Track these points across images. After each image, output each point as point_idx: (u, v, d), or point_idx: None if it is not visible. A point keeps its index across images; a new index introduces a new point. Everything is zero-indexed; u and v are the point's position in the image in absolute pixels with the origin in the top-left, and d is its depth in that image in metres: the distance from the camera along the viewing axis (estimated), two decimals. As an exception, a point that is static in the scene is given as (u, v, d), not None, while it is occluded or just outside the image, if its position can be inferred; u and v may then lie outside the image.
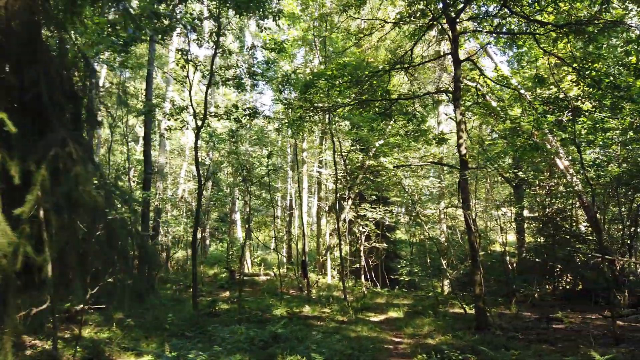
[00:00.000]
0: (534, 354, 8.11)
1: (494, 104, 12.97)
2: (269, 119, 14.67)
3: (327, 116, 15.35)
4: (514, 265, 17.72)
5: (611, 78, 9.98)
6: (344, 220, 20.86)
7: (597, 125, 10.77)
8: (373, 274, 20.00)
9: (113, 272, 4.77)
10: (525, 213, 18.03)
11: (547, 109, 11.07)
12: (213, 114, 12.19)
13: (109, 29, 9.83)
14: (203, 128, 13.97)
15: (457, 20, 10.66)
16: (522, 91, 11.87)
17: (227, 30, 12.48)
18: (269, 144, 19.87)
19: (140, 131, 21.37)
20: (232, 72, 12.35)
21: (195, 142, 10.79)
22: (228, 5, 9.96)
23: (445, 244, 18.63)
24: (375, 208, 19.43)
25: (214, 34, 10.54)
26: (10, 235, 3.65)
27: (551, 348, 8.60)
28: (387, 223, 21.90)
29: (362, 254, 19.02)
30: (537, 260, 15.43)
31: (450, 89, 11.78)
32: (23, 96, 4.11)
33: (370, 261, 19.92)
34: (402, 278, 20.40)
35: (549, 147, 13.83)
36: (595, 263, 14.33)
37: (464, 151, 10.27)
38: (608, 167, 13.19)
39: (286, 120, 13.23)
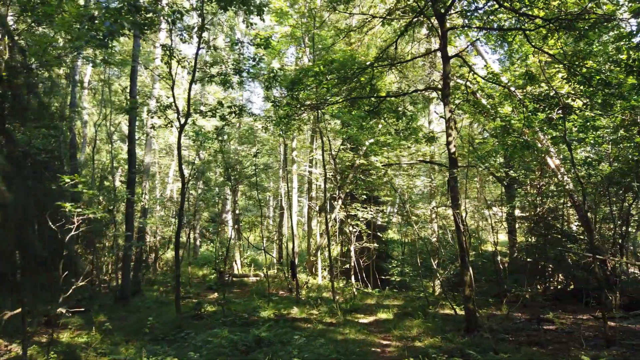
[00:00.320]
0: (523, 357, 7.90)
1: (484, 101, 12.78)
2: (255, 117, 14.37)
3: (316, 114, 15.09)
4: (505, 265, 17.57)
5: (602, 75, 9.81)
6: (335, 220, 20.62)
7: (588, 124, 10.61)
8: (364, 274, 19.78)
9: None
10: (517, 213, 17.88)
11: (537, 106, 10.89)
12: (198, 111, 11.88)
13: (89, 23, 9.54)
14: (189, 126, 13.72)
15: (446, 15, 10.44)
16: (512, 89, 11.67)
17: (213, 25, 12.18)
18: (257, 143, 19.55)
19: (127, 130, 21.03)
20: (217, 68, 12.06)
21: (179, 140, 10.49)
22: (211, -2, 9.70)
23: (437, 243, 18.44)
24: (366, 208, 19.21)
25: (198, 29, 10.24)
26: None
27: (541, 351, 8.40)
28: (379, 223, 21.70)
29: (352, 254, 18.79)
30: (528, 260, 15.27)
31: (439, 86, 11.56)
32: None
33: (361, 261, 19.69)
34: (393, 278, 20.19)
35: (539, 145, 13.67)
36: (587, 263, 14.20)
37: (453, 149, 10.06)
38: (599, 166, 13.05)
39: (274, 118, 12.94)
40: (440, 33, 10.35)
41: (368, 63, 11.12)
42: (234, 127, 22.23)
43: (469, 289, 9.70)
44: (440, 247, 18.02)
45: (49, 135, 15.93)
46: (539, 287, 15.94)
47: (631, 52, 9.16)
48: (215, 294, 16.69)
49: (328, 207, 20.68)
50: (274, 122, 12.90)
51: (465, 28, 11.79)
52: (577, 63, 10.05)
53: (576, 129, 11.23)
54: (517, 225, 17.87)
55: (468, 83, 11.82)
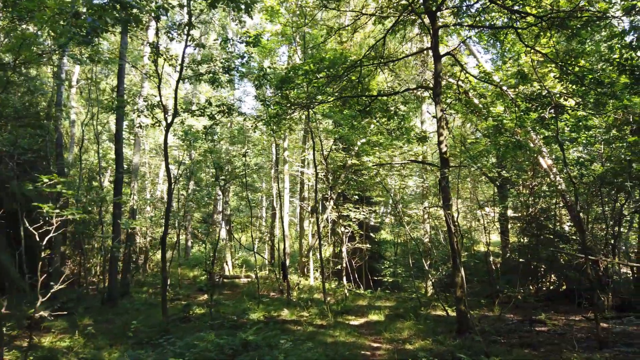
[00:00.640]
0: (515, 359, 7.78)
1: (476, 101, 12.66)
2: (244, 116, 14.17)
3: (307, 114, 14.91)
4: (498, 265, 17.48)
5: (594, 74, 9.71)
6: (327, 220, 20.45)
7: (581, 123, 10.51)
8: (356, 275, 19.63)
9: None
10: (509, 213, 17.81)
11: (529, 106, 10.77)
12: (186, 110, 11.66)
13: (73, 20, 9.30)
14: (179, 126, 13.49)
15: (438, 13, 10.30)
16: (504, 88, 11.55)
17: (202, 24, 11.96)
18: (249, 143, 19.34)
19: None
20: (206, 66, 11.85)
21: (165, 139, 10.27)
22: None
23: (429, 244, 18.32)
24: (358, 208, 19.06)
25: (185, 26, 10.03)
26: None
27: (533, 353, 8.27)
28: (371, 224, 21.56)
29: (344, 255, 18.63)
30: (520, 260, 15.19)
31: (431, 85, 11.42)
32: None
33: (353, 262, 19.54)
34: (385, 279, 20.06)
35: (532, 145, 13.58)
36: (579, 264, 14.12)
37: (444, 149, 9.92)
38: (591, 166, 12.98)
39: (263, 117, 12.75)
40: (431, 31, 10.21)
41: (358, 61, 10.95)
42: (225, 127, 22.01)
43: (461, 290, 9.56)
44: (432, 248, 17.92)
45: (35, 135, 15.67)
46: (531, 287, 15.86)
47: (624, 51, 9.07)
48: (205, 296, 16.47)
49: (320, 208, 20.52)
50: (263, 121, 12.69)
51: (457, 27, 11.65)
52: (569, 62, 9.95)
53: (568, 128, 11.14)
54: (509, 226, 17.80)
55: (460, 82, 11.69)
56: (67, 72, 20.27)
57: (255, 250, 18.67)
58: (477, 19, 11.00)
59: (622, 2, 8.98)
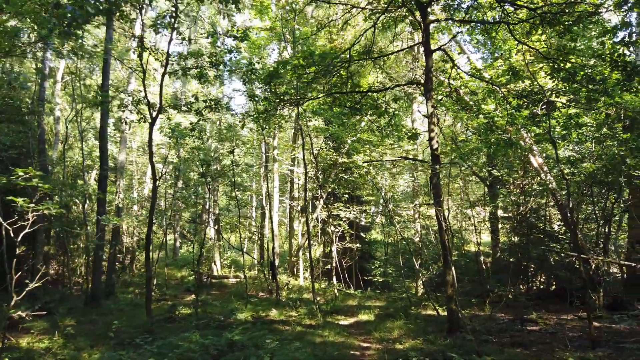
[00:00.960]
0: (507, 359, 7.62)
1: (467, 98, 12.54)
2: (231, 111, 13.91)
3: (296, 111, 14.69)
4: (488, 265, 17.40)
5: (586, 70, 9.61)
6: (317, 220, 20.24)
7: (572, 120, 10.41)
8: (346, 275, 19.43)
9: None
10: (500, 213, 17.74)
11: (521, 102, 10.65)
12: (172, 105, 11.38)
13: (53, 11, 9.00)
14: (165, 122, 13.19)
15: (429, 7, 10.15)
16: (495, 85, 11.41)
17: (187, 17, 11.69)
18: (238, 141, 19.06)
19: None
20: (193, 61, 11.58)
21: (150, 134, 9.99)
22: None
23: (419, 243, 18.18)
24: (348, 207, 18.88)
25: (170, 17, 9.76)
26: None
27: (525, 352, 8.13)
28: (362, 223, 21.39)
29: (334, 254, 18.43)
30: (511, 260, 15.10)
31: (422, 81, 11.27)
32: None
33: (343, 262, 19.35)
34: (375, 279, 19.90)
35: (523, 143, 13.48)
36: (569, 263, 14.06)
37: (435, 145, 9.76)
38: (582, 164, 12.92)
39: (251, 114, 12.49)
40: (422, 26, 10.06)
41: (349, 56, 10.76)
42: (214, 125, 21.70)
43: (452, 288, 9.39)
44: (423, 247, 17.77)
45: (18, 132, 15.28)
46: (521, 287, 15.79)
47: (616, 47, 8.97)
48: (193, 296, 16.18)
49: (310, 207, 20.29)
50: (252, 117, 12.44)
51: (448, 21, 11.51)
52: (561, 58, 9.84)
53: (560, 127, 11.04)
54: (500, 226, 17.72)
55: (451, 79, 11.54)
56: (52, 69, 19.87)
57: (244, 250, 18.38)
58: (469, 14, 10.88)
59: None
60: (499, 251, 17.59)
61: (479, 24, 10.93)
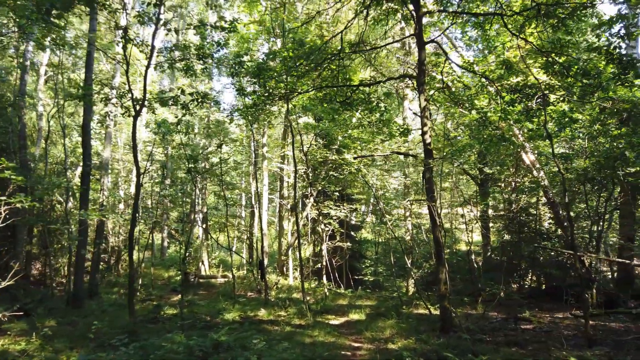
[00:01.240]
0: (503, 358, 7.40)
1: (459, 93, 12.32)
2: (218, 106, 13.56)
3: (286, 107, 14.36)
4: (480, 263, 17.25)
5: (581, 63, 9.44)
6: (307, 218, 19.93)
7: (566, 115, 10.23)
8: (337, 274, 19.15)
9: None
10: (491, 212, 17.60)
11: (514, 97, 10.45)
12: (158, 98, 11.00)
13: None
14: (151, 116, 12.79)
15: (422, 2, 9.92)
16: (488, 79, 11.20)
17: (174, 8, 11.32)
18: (225, 137, 18.68)
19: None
20: (179, 53, 11.22)
21: (133, 128, 9.62)
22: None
23: (410, 242, 17.97)
24: (339, 206, 18.60)
25: (154, 6, 9.40)
26: None
27: (521, 351, 7.92)
28: (352, 222, 21.12)
29: (324, 253, 18.13)
30: (503, 258, 14.96)
31: (414, 74, 11.03)
32: None
33: (333, 261, 19.06)
34: (366, 278, 19.64)
35: (515, 140, 13.31)
36: (559, 261, 13.93)
37: (428, 140, 9.53)
38: (574, 161, 12.79)
39: (239, 108, 12.15)
40: (415, 17, 9.82)
41: (340, 47, 10.48)
42: (202, 121, 21.30)
43: (445, 286, 9.17)
44: (414, 246, 17.57)
45: (-1, 127, 14.78)
46: (513, 285, 15.66)
47: (612, 39, 8.80)
48: (179, 296, 15.78)
49: (300, 206, 19.98)
50: (240, 111, 12.11)
51: (441, 15, 11.30)
52: (555, 51, 9.66)
53: (553, 122, 10.87)
54: (490, 224, 17.58)
55: (443, 73, 11.32)
56: (34, 63, 19.32)
57: (233, 249, 18.01)
58: (461, 6, 10.68)
59: (610, -11, 8.72)
60: (490, 250, 17.46)
61: (472, 17, 10.72)
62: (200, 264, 21.32)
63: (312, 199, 18.45)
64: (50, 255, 15.19)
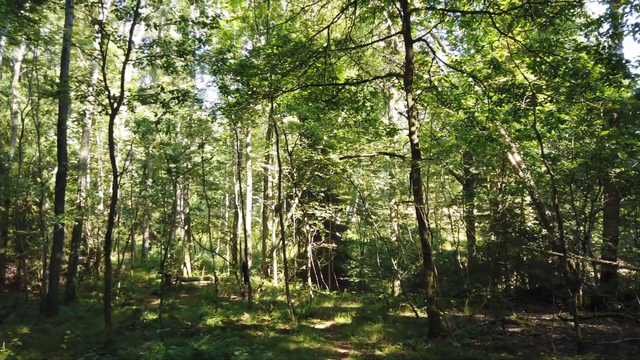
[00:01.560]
0: (493, 364, 7.22)
1: (446, 92, 12.14)
2: (200, 103, 13.17)
3: (270, 106, 14.03)
4: (465, 264, 17.17)
5: (569, 63, 9.32)
6: (292, 219, 19.62)
7: (554, 115, 10.12)
8: (322, 275, 18.87)
9: None
10: (476, 212, 17.53)
11: (502, 97, 10.30)
12: (137, 95, 10.58)
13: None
14: (132, 116, 12.32)
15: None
16: (476, 78, 11.04)
17: (156, 7, 10.88)
18: (209, 137, 18.25)
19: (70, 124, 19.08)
20: (159, 50, 10.81)
21: (110, 126, 9.21)
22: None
23: (396, 243, 17.80)
24: (324, 206, 18.34)
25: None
26: None
27: (510, 357, 7.75)
28: (337, 223, 20.87)
29: (309, 255, 17.84)
30: (489, 259, 14.88)
31: (402, 73, 10.81)
32: None
33: (319, 262, 18.79)
34: (352, 280, 19.43)
35: (502, 141, 13.22)
36: (544, 262, 13.88)
37: (416, 139, 9.32)
38: (561, 161, 12.72)
39: (221, 106, 11.78)
40: (402, 14, 9.59)
41: (325, 45, 10.20)
42: (184, 120, 20.83)
43: (432, 289, 8.96)
44: (400, 247, 17.39)
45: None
46: (499, 286, 15.58)
47: (601, 39, 8.70)
48: (160, 300, 15.33)
49: (285, 206, 19.65)
50: (222, 109, 11.74)
51: (428, 13, 11.10)
52: (544, 50, 9.52)
53: (540, 123, 10.75)
54: (476, 224, 17.52)
55: (431, 72, 11.11)
56: (9, 59, 18.63)
57: (216, 251, 17.60)
58: (449, 4, 10.49)
59: (599, -12, 8.60)
60: (475, 250, 17.39)
61: (460, 15, 10.53)
62: (183, 266, 20.84)
63: (297, 200, 18.15)
64: (24, 258, 14.60)
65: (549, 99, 10.28)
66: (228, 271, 21.98)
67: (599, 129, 11.47)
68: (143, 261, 26.18)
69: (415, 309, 11.66)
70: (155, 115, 11.15)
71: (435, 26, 11.06)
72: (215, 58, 10.65)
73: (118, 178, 9.33)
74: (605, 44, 8.77)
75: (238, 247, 23.07)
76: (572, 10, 9.30)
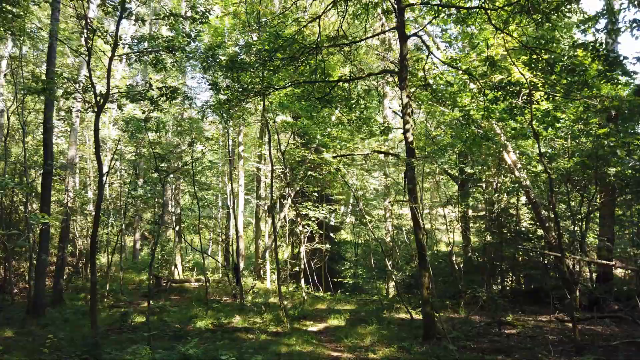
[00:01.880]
0: (490, 368, 7.02)
1: (441, 90, 11.96)
2: (190, 101, 12.89)
3: (262, 104, 13.78)
4: (460, 265, 17.00)
5: (565, 59, 9.16)
6: (285, 219, 19.38)
7: (550, 113, 9.96)
8: (315, 277, 18.64)
9: None
10: (471, 212, 17.37)
11: (498, 94, 10.12)
12: (124, 93, 10.29)
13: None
14: (120, 114, 12.04)
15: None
16: (471, 75, 10.86)
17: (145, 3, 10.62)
18: (198, 135, 17.96)
19: (57, 122, 18.71)
20: (147, 45, 10.53)
21: (96, 123, 8.91)
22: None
23: (391, 244, 17.60)
24: (317, 207, 18.10)
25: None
26: None
27: (508, 359, 7.55)
28: (331, 223, 20.65)
29: (303, 256, 17.60)
30: (484, 259, 14.70)
31: (396, 69, 10.60)
32: None
33: (312, 263, 18.55)
34: (346, 281, 19.22)
35: (497, 139, 13.06)
36: (539, 262, 13.73)
37: (410, 138, 9.11)
38: (557, 160, 12.59)
39: (211, 104, 11.52)
40: (397, 10, 9.39)
41: (317, 40, 9.97)
42: (175, 118, 20.50)
43: (428, 291, 8.75)
44: (394, 248, 17.20)
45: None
46: (495, 287, 15.42)
47: (598, 35, 8.55)
48: (151, 302, 15.01)
49: (278, 207, 19.40)
50: (212, 107, 11.48)
51: (423, 9, 10.91)
52: (540, 47, 9.36)
53: (536, 121, 10.60)
54: (471, 225, 17.36)
55: (426, 69, 10.92)
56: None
57: (208, 252, 17.30)
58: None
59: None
60: (470, 251, 17.23)
61: (455, 11, 10.35)
62: (174, 267, 20.50)
63: (290, 200, 17.92)
64: (10, 260, 14.24)
65: (546, 96, 10.13)
66: (220, 273, 21.67)
67: (595, 128, 11.34)
68: (134, 262, 25.81)
69: (410, 310, 11.45)
70: (143, 112, 10.84)
71: (430, 22, 10.85)
72: (205, 54, 10.38)
73: (104, 177, 9.03)
74: (602, 40, 8.62)
75: (230, 248, 22.79)
76: (568, 7, 9.16)
